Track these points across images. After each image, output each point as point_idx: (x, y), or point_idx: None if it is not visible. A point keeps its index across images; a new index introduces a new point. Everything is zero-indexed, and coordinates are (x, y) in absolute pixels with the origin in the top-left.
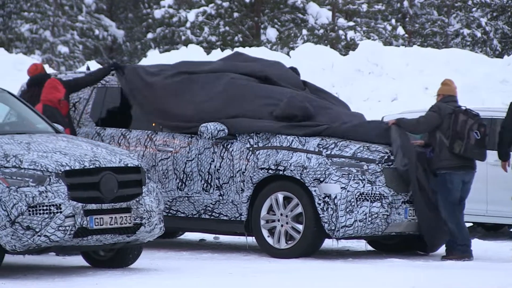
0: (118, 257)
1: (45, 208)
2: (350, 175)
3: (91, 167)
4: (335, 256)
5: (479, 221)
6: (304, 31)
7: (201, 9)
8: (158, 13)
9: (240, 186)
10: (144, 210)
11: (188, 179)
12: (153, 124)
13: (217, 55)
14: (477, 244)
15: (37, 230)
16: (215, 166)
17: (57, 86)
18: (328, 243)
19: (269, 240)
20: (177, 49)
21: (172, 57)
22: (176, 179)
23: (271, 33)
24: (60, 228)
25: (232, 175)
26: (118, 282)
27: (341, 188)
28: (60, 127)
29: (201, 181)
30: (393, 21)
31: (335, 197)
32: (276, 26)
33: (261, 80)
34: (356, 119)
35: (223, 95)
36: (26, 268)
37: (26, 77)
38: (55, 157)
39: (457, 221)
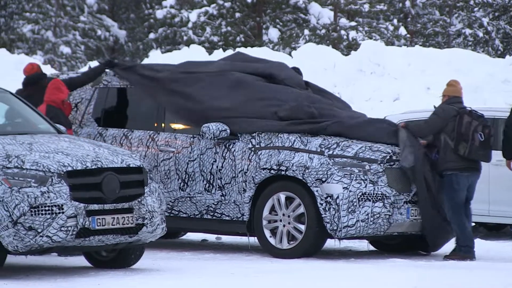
0: (120, 258)
1: (47, 208)
2: (352, 175)
3: (93, 167)
4: (337, 256)
5: (481, 221)
6: (306, 31)
7: (203, 9)
8: (160, 13)
9: (242, 186)
10: (146, 210)
11: (190, 179)
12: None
13: (219, 55)
14: (479, 244)
15: (39, 230)
16: (217, 167)
17: (61, 87)
18: (330, 243)
19: (271, 240)
20: (179, 49)
21: (174, 58)
22: (178, 180)
23: (273, 33)
24: (62, 228)
25: (234, 175)
26: (120, 283)
27: (343, 188)
28: (62, 128)
29: (203, 181)
30: (395, 21)
31: (337, 197)
32: (278, 26)
33: (266, 79)
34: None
35: (231, 92)
36: (28, 269)
37: None
38: (57, 157)
39: (461, 222)
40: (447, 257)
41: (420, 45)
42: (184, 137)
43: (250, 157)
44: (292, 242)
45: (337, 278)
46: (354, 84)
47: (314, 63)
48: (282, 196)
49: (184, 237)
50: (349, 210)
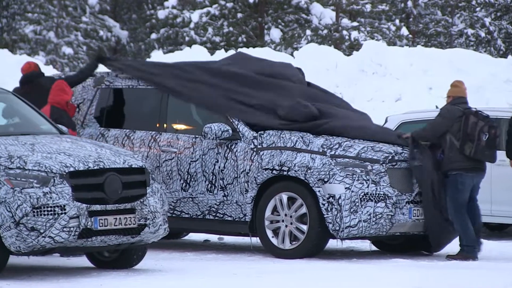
0: (123, 258)
1: (49, 209)
2: (354, 176)
3: (95, 168)
4: (340, 257)
5: (483, 221)
6: (308, 32)
7: (205, 9)
8: (161, 14)
9: (244, 186)
10: (149, 211)
11: (192, 180)
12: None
13: (220, 55)
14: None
15: (42, 231)
16: (219, 167)
17: (65, 88)
18: (332, 244)
19: (274, 241)
20: (181, 49)
21: (176, 58)
22: (180, 180)
23: (275, 34)
24: (65, 229)
25: (236, 175)
26: (122, 283)
27: (345, 188)
28: (64, 128)
29: (205, 181)
30: (397, 21)
31: (339, 197)
32: (280, 26)
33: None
34: (362, 118)
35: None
36: (30, 269)
37: None
38: (59, 158)
39: (463, 222)
40: (449, 257)
41: (422, 45)
42: (186, 138)
43: (252, 158)
44: (294, 243)
45: (339, 278)
46: (356, 84)
47: (316, 63)
48: (284, 196)
49: (186, 237)
50: (351, 210)
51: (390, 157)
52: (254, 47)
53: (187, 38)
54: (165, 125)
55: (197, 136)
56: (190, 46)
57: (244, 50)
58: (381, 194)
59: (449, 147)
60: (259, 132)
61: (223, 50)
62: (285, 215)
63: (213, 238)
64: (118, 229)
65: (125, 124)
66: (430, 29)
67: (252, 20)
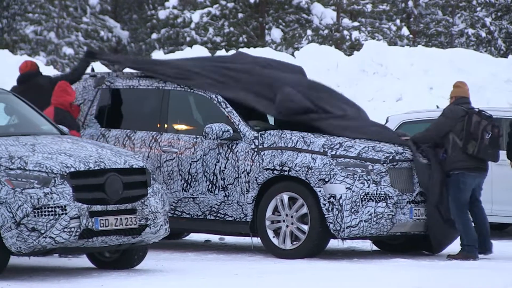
0: (124, 259)
1: (50, 209)
2: (355, 176)
3: (96, 168)
4: (341, 257)
5: None
6: (309, 32)
7: (206, 10)
8: (162, 14)
9: (245, 186)
10: (149, 211)
11: (193, 180)
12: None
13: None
14: None
15: (43, 231)
16: (220, 167)
17: (68, 89)
18: (333, 244)
19: (275, 241)
20: (182, 50)
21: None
22: (181, 180)
23: (276, 34)
24: (66, 229)
25: (237, 176)
26: (123, 284)
27: (346, 188)
28: (65, 129)
29: (206, 182)
30: (398, 21)
31: (340, 197)
32: (280, 26)
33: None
34: (359, 117)
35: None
36: (31, 270)
37: None
38: (60, 158)
39: (465, 221)
40: (450, 257)
41: (423, 45)
42: (187, 138)
43: (253, 158)
44: (295, 243)
45: (340, 278)
46: (357, 84)
47: (317, 63)
48: (285, 196)
49: (187, 237)
50: (352, 210)
51: (391, 157)
52: (255, 47)
53: (188, 39)
54: (166, 126)
55: (198, 136)
56: (191, 46)
57: (245, 50)
58: (382, 194)
59: (452, 146)
60: (260, 132)
61: (224, 50)
62: (286, 215)
63: (214, 238)
64: (119, 229)
65: (126, 125)
66: (431, 29)
67: (253, 20)
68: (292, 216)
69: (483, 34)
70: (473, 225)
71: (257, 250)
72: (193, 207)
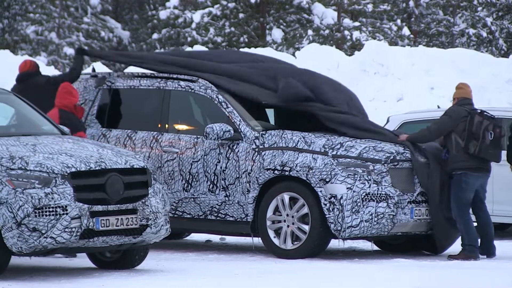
0: (124, 259)
1: (51, 209)
2: (356, 176)
3: (97, 168)
4: (341, 257)
5: None
6: (310, 32)
7: (207, 10)
8: (163, 14)
9: (246, 187)
10: (150, 211)
11: (194, 180)
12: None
13: None
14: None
15: (43, 231)
16: (221, 167)
17: (72, 91)
18: (334, 244)
19: (275, 241)
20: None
21: None
22: (182, 180)
23: (277, 34)
24: (66, 229)
25: (238, 176)
26: (124, 284)
27: (347, 188)
28: (65, 129)
29: (207, 182)
30: (399, 21)
31: (341, 197)
32: (281, 26)
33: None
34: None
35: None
36: (32, 270)
37: None
38: (61, 158)
39: (466, 221)
40: (451, 257)
41: (424, 45)
42: (187, 138)
43: (254, 158)
44: (296, 243)
45: (341, 278)
46: (358, 84)
47: (318, 63)
48: (286, 196)
49: (188, 238)
50: (353, 210)
51: (391, 157)
52: (255, 47)
53: (189, 39)
54: (166, 126)
55: (198, 136)
56: (192, 46)
57: (245, 50)
58: (382, 194)
59: (454, 146)
60: (261, 132)
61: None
62: (287, 215)
63: (215, 238)
64: (120, 229)
65: (126, 125)
66: (432, 29)
67: (254, 20)
68: (293, 216)
69: (484, 34)
70: (476, 226)
71: (258, 250)
72: (194, 207)
